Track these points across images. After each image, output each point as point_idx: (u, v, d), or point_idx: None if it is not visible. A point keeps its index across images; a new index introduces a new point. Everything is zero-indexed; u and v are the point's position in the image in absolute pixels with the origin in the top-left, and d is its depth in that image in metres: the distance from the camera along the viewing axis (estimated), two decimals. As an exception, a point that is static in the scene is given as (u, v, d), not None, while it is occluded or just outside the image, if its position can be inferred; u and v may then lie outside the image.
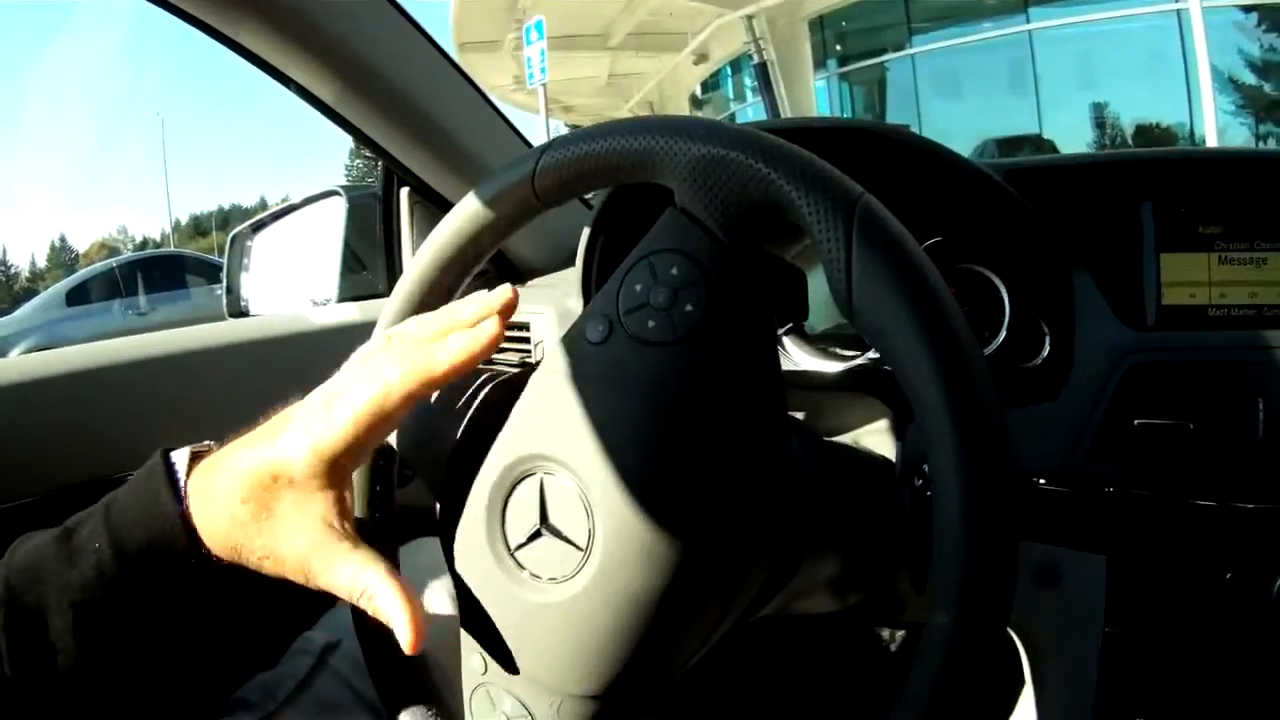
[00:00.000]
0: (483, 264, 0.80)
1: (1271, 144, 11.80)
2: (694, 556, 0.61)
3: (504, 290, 0.69)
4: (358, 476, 0.80)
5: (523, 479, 0.64)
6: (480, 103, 1.49)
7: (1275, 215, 0.96)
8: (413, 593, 0.64)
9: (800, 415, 1.05)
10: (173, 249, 30.17)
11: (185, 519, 0.66)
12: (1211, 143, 10.58)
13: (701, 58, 18.55)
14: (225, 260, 2.00)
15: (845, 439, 1.00)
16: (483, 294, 0.69)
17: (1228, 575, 0.91)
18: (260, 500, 0.65)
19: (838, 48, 16.08)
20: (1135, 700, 0.95)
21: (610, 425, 0.62)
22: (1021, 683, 1.05)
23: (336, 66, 1.27)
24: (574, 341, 0.66)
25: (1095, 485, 0.94)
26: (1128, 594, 0.94)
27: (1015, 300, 1.05)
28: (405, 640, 0.63)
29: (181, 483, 0.68)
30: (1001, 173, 1.00)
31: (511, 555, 0.64)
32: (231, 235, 2.02)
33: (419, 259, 0.79)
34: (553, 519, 0.63)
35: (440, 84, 1.42)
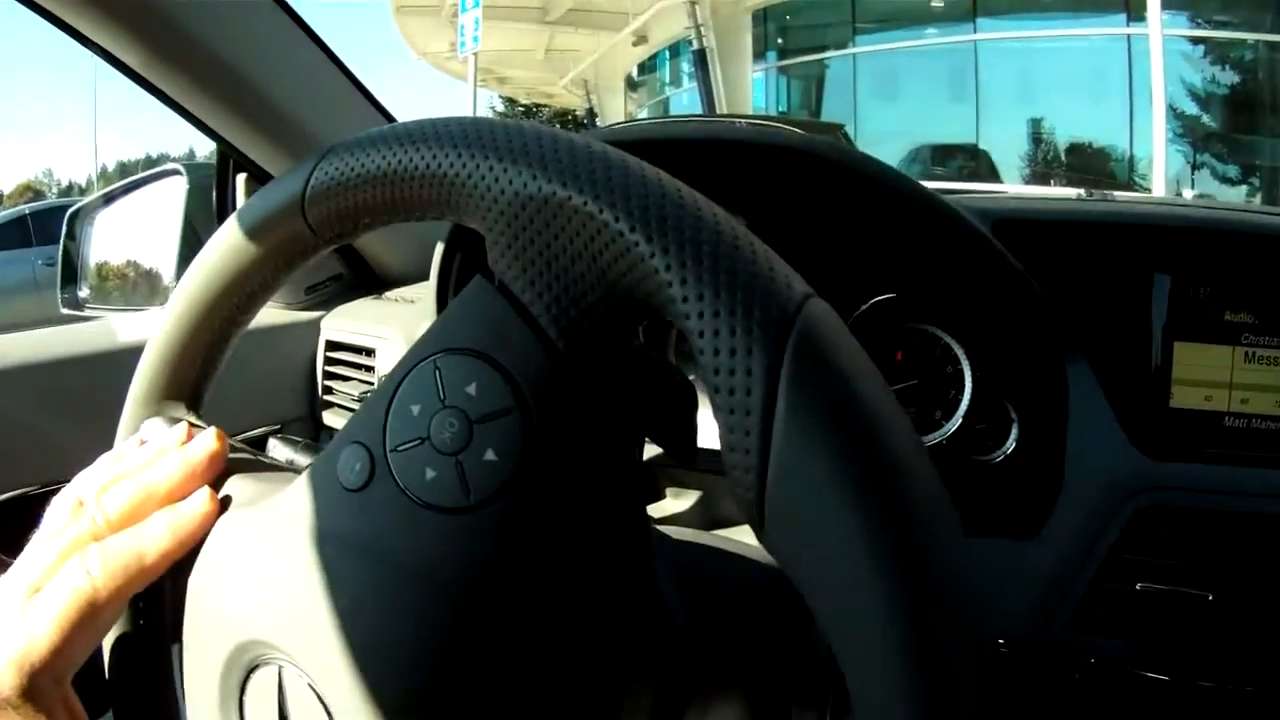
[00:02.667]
0: (262, 305, 0.59)
1: (1204, 174, 12.03)
2: None
3: (206, 442, 0.53)
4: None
5: (256, 668, 0.45)
6: (339, 77, 1.26)
7: None
8: None
9: (693, 497, 0.88)
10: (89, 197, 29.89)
11: None
12: (1159, 169, 10.75)
13: (641, 39, 18.64)
14: (61, 245, 1.77)
15: (747, 530, 0.77)
16: (174, 437, 0.55)
17: None
18: None
19: (779, 41, 16.23)
20: None
21: (357, 615, 0.41)
22: None
23: (141, 26, 1.03)
24: (324, 479, 0.44)
25: (1073, 657, 0.75)
26: None
27: (979, 378, 0.85)
28: None
29: None
30: (989, 223, 0.80)
31: None
32: (70, 213, 1.77)
33: (174, 304, 0.58)
34: None
35: (288, 55, 1.18)
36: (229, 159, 1.31)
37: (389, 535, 0.40)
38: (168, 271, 1.49)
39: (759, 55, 15.82)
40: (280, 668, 0.44)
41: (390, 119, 1.33)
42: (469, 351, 0.40)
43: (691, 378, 0.46)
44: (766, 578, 0.67)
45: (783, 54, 16.08)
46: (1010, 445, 0.83)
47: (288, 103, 1.19)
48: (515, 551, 0.39)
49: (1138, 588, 0.73)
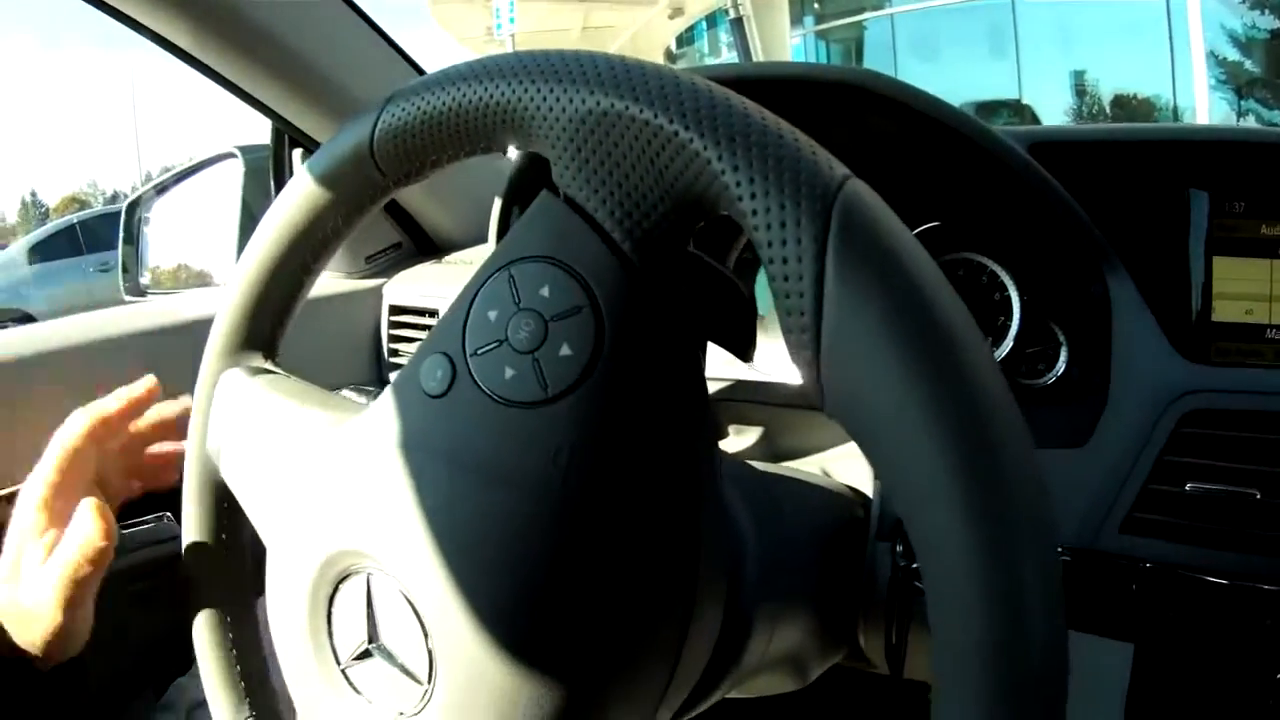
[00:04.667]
0: (333, 253, 0.62)
1: (1252, 120, 11.83)
2: (576, 698, 0.44)
3: (89, 509, 0.66)
4: (199, 522, 0.69)
5: (347, 577, 0.48)
6: (377, 42, 1.29)
7: None
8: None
9: (757, 432, 0.89)
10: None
11: None
12: (1203, 118, 10.59)
13: (677, 11, 18.56)
14: (120, 232, 1.82)
15: (811, 464, 0.83)
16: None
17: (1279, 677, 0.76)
18: None
19: (815, 5, 16.06)
20: None
21: (447, 519, 0.44)
22: None
23: (189, 5, 1.06)
24: (407, 389, 0.47)
25: (1130, 561, 0.77)
26: (1156, 689, 0.79)
27: (1027, 302, 0.88)
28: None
29: None
30: (1026, 144, 0.81)
31: (342, 672, 0.49)
32: (127, 203, 1.84)
33: (250, 257, 0.62)
34: (384, 636, 0.47)
35: (325, 23, 1.22)
36: (283, 135, 1.34)
37: (472, 436, 0.43)
38: (228, 251, 1.53)
39: (796, 20, 15.60)
40: (369, 576, 0.47)
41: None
42: (540, 258, 0.43)
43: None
44: (831, 502, 0.72)
45: (820, 18, 15.94)
46: (1060, 367, 0.86)
47: (337, 76, 1.23)
48: (591, 439, 0.42)
49: (1187, 489, 0.74)
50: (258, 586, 0.67)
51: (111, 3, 1.01)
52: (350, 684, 0.49)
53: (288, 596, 0.52)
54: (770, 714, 1.33)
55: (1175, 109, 11.39)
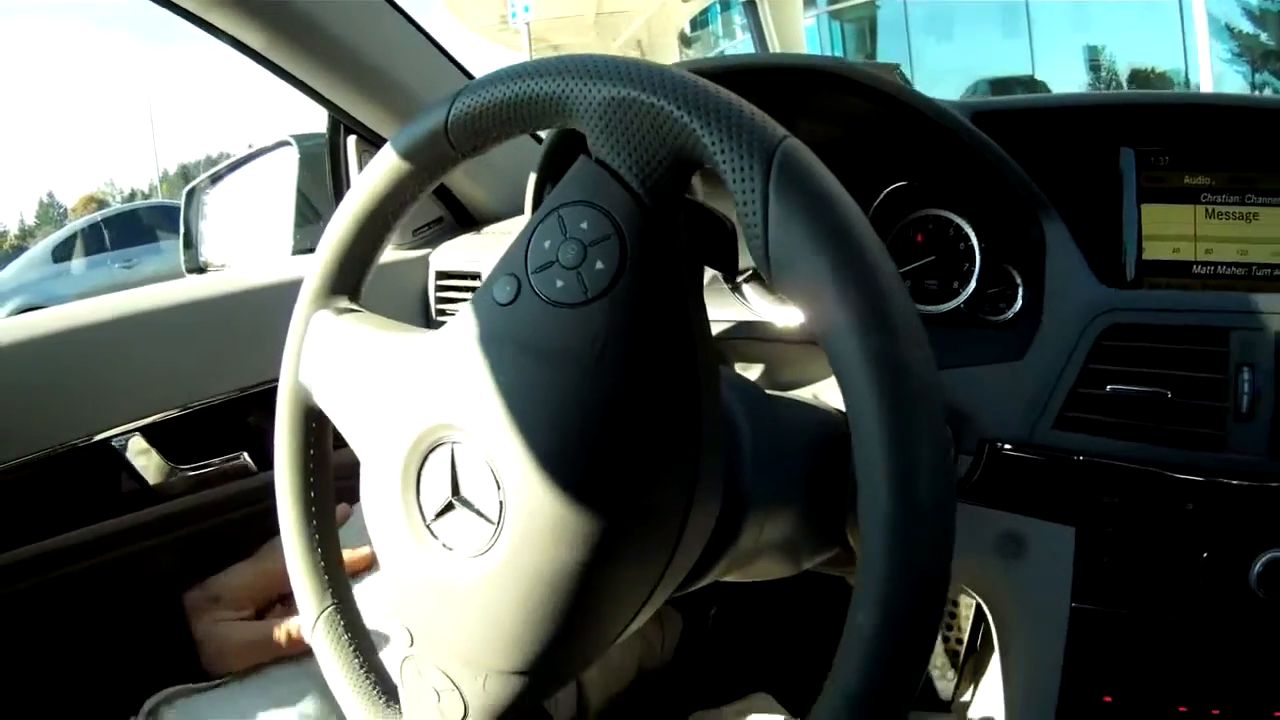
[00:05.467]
0: (408, 215, 0.76)
1: (1269, 93, 11.75)
2: (613, 527, 0.57)
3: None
4: (290, 442, 0.81)
5: (435, 448, 0.62)
6: (424, 43, 1.44)
7: (1269, 167, 0.91)
8: None
9: (758, 368, 1.03)
10: (160, 199, 30.01)
11: None
12: (1206, 89, 10.55)
13: None
14: (181, 216, 1.95)
15: (805, 393, 0.97)
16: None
17: (1204, 554, 0.87)
18: None
19: (829, -15, 15.79)
20: (1102, 678, 0.92)
21: (517, 393, 0.59)
22: (991, 648, 1.03)
23: (264, 14, 1.21)
24: (482, 302, 0.62)
25: (1064, 453, 0.90)
26: (1097, 568, 0.90)
27: (986, 249, 1.01)
28: None
29: None
30: (969, 114, 0.95)
31: (427, 527, 0.63)
32: (187, 189, 1.97)
33: (340, 217, 0.76)
34: (464, 490, 0.61)
35: (378, 26, 1.36)
36: (339, 123, 1.49)
37: (534, 330, 0.58)
38: (284, 230, 1.66)
39: (809, 1, 15.67)
40: (453, 446, 0.61)
41: (468, 74, 1.50)
42: (580, 202, 0.58)
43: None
44: (820, 417, 0.84)
45: None
46: (1019, 304, 0.99)
47: (388, 70, 1.37)
48: (619, 328, 0.57)
49: (1108, 390, 0.87)
50: (335, 497, 0.83)
51: (197, 12, 1.16)
52: (433, 535, 0.62)
53: (382, 477, 0.65)
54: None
55: (1188, 83, 11.32)
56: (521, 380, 0.58)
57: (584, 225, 0.58)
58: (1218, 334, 0.85)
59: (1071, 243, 0.91)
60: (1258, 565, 0.85)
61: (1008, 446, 0.91)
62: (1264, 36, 11.65)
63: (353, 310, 0.77)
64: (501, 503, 0.58)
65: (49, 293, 11.66)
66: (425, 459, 0.63)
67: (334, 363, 0.75)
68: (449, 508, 0.61)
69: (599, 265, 0.57)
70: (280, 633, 0.94)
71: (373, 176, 0.73)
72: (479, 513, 0.59)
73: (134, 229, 13.58)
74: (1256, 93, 11.39)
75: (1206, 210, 0.92)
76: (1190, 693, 0.90)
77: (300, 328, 0.79)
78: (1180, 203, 0.92)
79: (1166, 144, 0.93)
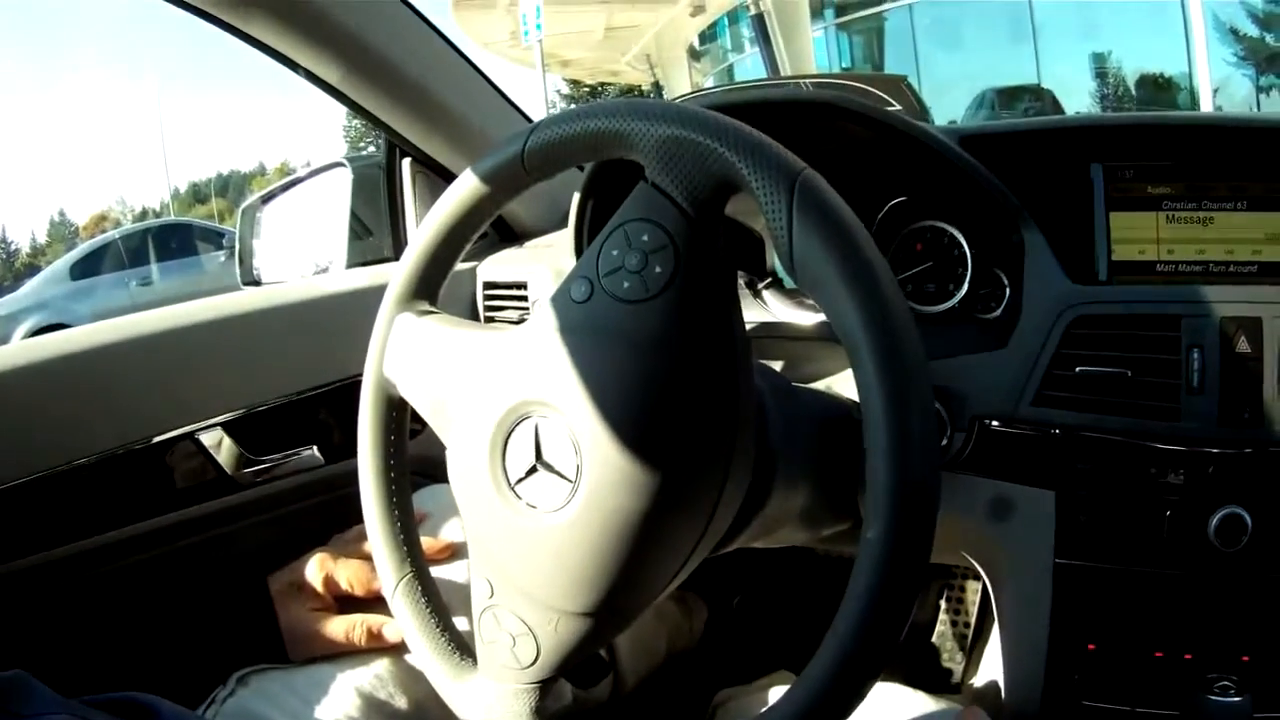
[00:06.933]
0: (482, 230, 0.88)
1: (1274, 95, 11.72)
2: (668, 483, 0.69)
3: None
4: (373, 429, 0.91)
5: (520, 422, 0.73)
6: (474, 76, 1.55)
7: (1222, 177, 1.02)
8: None
9: (779, 364, 1.13)
10: (174, 217, 29.76)
11: None
12: (1206, 95, 10.53)
13: (699, 9, 18.25)
14: (237, 231, 2.04)
15: (819, 385, 1.07)
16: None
17: (1167, 513, 0.98)
18: None
19: (835, -2, 15.83)
20: (1086, 628, 1.01)
21: (594, 373, 0.70)
22: (994, 623, 1.12)
23: (341, 52, 1.34)
24: (560, 300, 0.74)
25: (1043, 427, 1.01)
26: (1075, 527, 1.01)
27: (977, 256, 1.13)
28: None
29: None
30: (957, 139, 1.07)
31: (512, 489, 0.73)
32: (242, 208, 2.06)
33: (424, 230, 0.87)
34: (546, 456, 0.71)
35: (437, 62, 1.48)
36: (394, 147, 1.62)
37: (607, 322, 0.71)
38: (338, 244, 1.75)
39: (816, 13, 15.33)
40: (536, 420, 0.71)
41: (517, 107, 1.63)
42: (642, 219, 0.71)
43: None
44: (834, 403, 0.95)
45: (840, 10, 15.64)
46: (1005, 302, 1.11)
47: (445, 102, 1.50)
48: (675, 320, 0.70)
49: (1077, 371, 0.98)
50: (411, 481, 0.94)
51: (281, 49, 1.30)
52: (518, 496, 0.72)
53: (471, 451, 0.75)
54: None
55: (1193, 90, 11.33)
56: (597, 362, 0.70)
57: (645, 237, 0.70)
58: (1170, 320, 0.97)
59: (1046, 247, 1.03)
60: (1214, 520, 0.95)
61: (995, 422, 1.02)
62: (1269, 39, 11.56)
63: (432, 312, 0.88)
64: (579, 465, 0.70)
65: (67, 310, 11.68)
66: (510, 433, 0.73)
67: (419, 357, 0.86)
68: (532, 471, 0.72)
69: (658, 269, 0.70)
70: (359, 630, 1.03)
71: (455, 196, 0.84)
72: (559, 474, 0.71)
73: (149, 247, 13.56)
74: (1263, 97, 11.32)
75: (1167, 216, 1.02)
76: (1165, 640, 0.99)
77: (385, 328, 0.89)
78: (1144, 210, 1.03)
79: (1131, 159, 1.04)
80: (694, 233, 0.70)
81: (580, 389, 0.70)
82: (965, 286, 1.14)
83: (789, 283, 1.18)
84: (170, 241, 13.98)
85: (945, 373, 1.03)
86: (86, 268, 13.20)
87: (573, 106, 0.81)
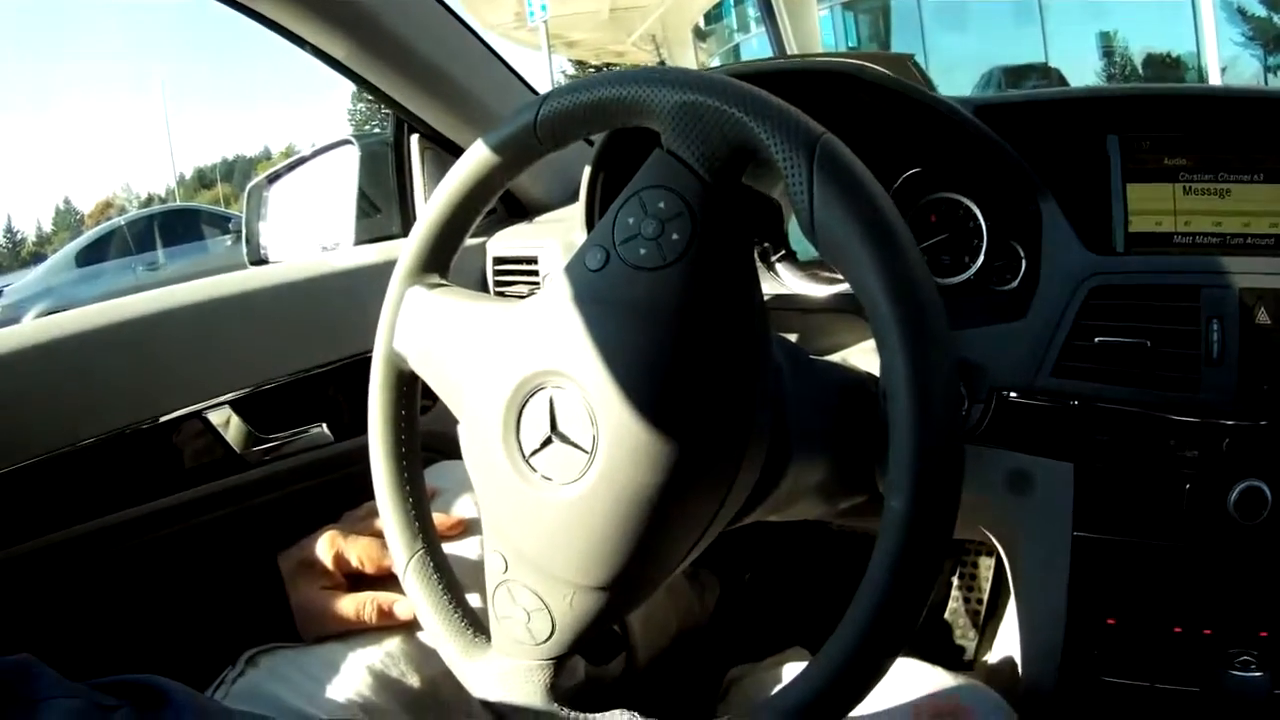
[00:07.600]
0: (492, 203, 0.87)
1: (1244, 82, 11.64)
2: (685, 455, 0.68)
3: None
4: (383, 404, 0.91)
5: (534, 393, 0.72)
6: (483, 51, 1.55)
7: (1239, 149, 1.01)
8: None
9: (794, 336, 1.13)
10: (180, 203, 29.80)
11: None
12: (1214, 74, 10.49)
13: None
14: (243, 211, 2.03)
15: (834, 358, 1.06)
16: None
17: (1186, 486, 0.97)
18: None
19: (842, -24, 15.71)
20: (1105, 602, 1.00)
21: (610, 342, 0.69)
22: (1009, 601, 1.12)
23: (349, 27, 1.33)
24: (575, 269, 0.73)
25: (1061, 398, 1.00)
26: (1094, 500, 1.00)
27: (992, 227, 1.12)
28: None
29: None
30: (973, 109, 1.06)
31: (526, 461, 0.72)
32: (249, 187, 2.05)
33: (435, 202, 0.86)
34: (561, 428, 0.70)
35: (445, 36, 1.47)
36: (403, 123, 1.62)
37: (623, 290, 0.70)
38: (346, 222, 1.74)
39: None
40: (551, 392, 0.71)
41: (525, 83, 1.63)
42: (658, 186, 0.70)
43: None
44: (850, 376, 0.94)
45: None
46: (1021, 274, 1.10)
47: (453, 78, 1.49)
48: (692, 288, 0.69)
49: (1096, 341, 0.97)
50: (422, 456, 0.93)
51: (289, 26, 1.29)
52: (532, 468, 0.71)
53: (484, 423, 0.75)
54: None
55: (1200, 69, 11.28)
56: (612, 331, 0.70)
57: (661, 204, 0.69)
58: (1189, 291, 0.96)
59: (1063, 218, 1.02)
60: (1234, 494, 0.94)
61: (1014, 394, 1.01)
62: (1277, 19, 11.53)
63: (443, 285, 0.88)
64: (594, 436, 0.69)
65: (74, 296, 11.54)
66: (525, 404, 0.73)
67: (430, 331, 0.85)
68: (547, 442, 0.71)
69: (674, 236, 0.69)
70: (370, 609, 1.02)
71: (466, 166, 0.83)
72: (575, 445, 0.70)
73: (155, 232, 13.59)
74: (1271, 76, 11.28)
75: (1184, 188, 1.01)
76: (1184, 614, 0.98)
77: (395, 301, 0.89)
78: (1161, 181, 1.02)
79: (1148, 130, 1.03)
80: (711, 199, 0.69)
81: (596, 358, 0.69)
82: (981, 258, 1.13)
83: (803, 254, 1.17)
84: (177, 227, 13.98)
85: (963, 344, 1.02)
86: (92, 254, 13.26)
87: (583, 76, 0.79)
